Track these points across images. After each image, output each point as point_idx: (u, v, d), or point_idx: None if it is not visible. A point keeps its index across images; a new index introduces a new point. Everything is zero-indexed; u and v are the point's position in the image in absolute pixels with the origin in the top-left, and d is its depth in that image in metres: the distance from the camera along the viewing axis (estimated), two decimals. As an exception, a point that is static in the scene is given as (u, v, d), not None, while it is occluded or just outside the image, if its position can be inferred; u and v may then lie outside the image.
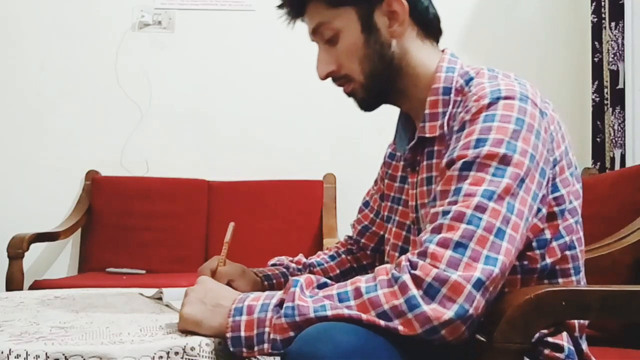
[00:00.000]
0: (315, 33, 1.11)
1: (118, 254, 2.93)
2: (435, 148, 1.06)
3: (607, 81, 2.79)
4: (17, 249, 2.57)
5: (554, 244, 1.00)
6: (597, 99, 2.87)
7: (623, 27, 2.69)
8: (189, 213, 3.04)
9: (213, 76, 3.19)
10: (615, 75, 2.71)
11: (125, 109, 3.16)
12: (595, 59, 2.89)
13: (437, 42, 1.14)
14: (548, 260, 1.00)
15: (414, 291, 0.85)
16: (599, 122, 2.85)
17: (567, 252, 1.02)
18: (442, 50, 1.13)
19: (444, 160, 0.97)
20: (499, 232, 0.88)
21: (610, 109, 2.73)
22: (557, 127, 1.01)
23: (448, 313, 0.83)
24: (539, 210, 0.96)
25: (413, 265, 0.87)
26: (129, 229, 2.98)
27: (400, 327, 0.85)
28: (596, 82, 2.88)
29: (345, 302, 0.87)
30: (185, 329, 0.95)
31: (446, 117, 1.04)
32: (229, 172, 3.11)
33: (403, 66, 1.08)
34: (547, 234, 0.99)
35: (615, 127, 2.69)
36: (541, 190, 0.95)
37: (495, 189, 0.89)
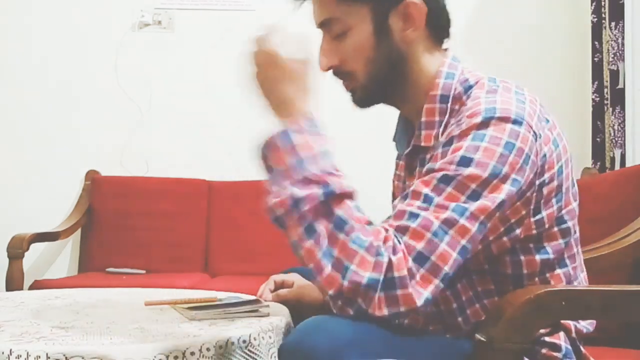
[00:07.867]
0: (322, 25, 1.05)
1: (118, 254, 2.92)
2: (429, 156, 1.04)
3: (607, 81, 2.78)
4: (17, 249, 2.57)
5: (537, 261, 0.99)
6: (597, 99, 2.87)
7: (623, 27, 2.68)
8: (189, 213, 3.03)
9: (213, 76, 3.18)
10: (615, 75, 2.70)
11: (125, 109, 3.15)
12: (595, 59, 2.89)
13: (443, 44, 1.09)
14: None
15: (380, 276, 0.85)
16: (599, 122, 2.85)
17: (559, 270, 1.01)
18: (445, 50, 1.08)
19: (424, 169, 0.95)
20: (463, 250, 0.88)
21: (610, 109, 2.72)
22: (551, 147, 0.98)
23: (384, 310, 0.85)
24: (511, 229, 0.97)
25: (395, 250, 0.87)
26: (129, 229, 2.98)
27: (346, 283, 0.85)
28: (596, 82, 2.87)
29: (336, 230, 0.87)
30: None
31: (442, 127, 1.01)
32: (229, 172, 3.10)
33: (407, 71, 1.04)
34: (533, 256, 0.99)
35: (615, 127, 2.69)
36: (516, 215, 0.95)
37: (468, 207, 0.88)
